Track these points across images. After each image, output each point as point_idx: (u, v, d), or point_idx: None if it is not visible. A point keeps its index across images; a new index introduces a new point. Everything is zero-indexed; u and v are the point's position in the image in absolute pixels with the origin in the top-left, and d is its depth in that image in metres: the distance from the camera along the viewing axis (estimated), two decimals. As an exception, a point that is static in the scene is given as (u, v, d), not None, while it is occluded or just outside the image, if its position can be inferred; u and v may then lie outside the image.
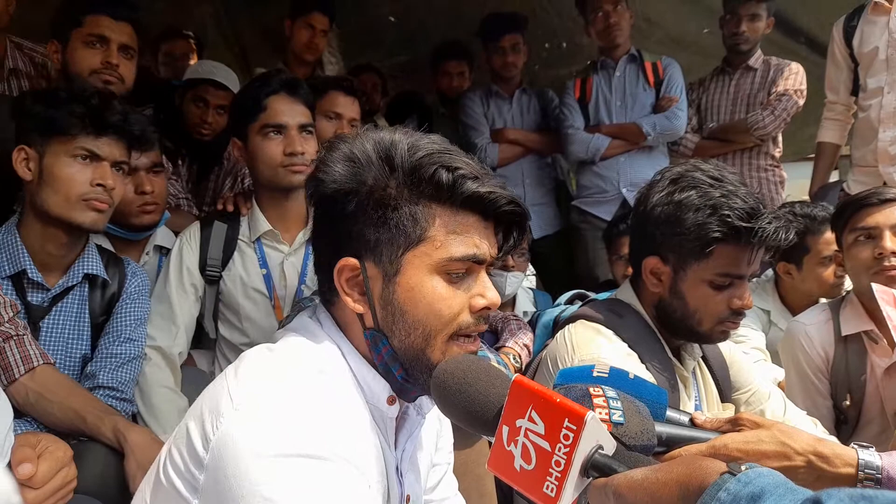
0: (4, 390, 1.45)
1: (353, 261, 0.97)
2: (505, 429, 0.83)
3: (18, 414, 1.47)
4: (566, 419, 0.77)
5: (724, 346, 1.71)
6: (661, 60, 3.46)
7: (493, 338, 2.45)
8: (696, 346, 1.62)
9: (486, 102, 3.65)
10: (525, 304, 3.15)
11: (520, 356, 2.23)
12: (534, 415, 0.80)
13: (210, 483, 0.84)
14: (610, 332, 1.51)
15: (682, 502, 0.62)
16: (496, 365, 1.77)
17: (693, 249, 1.44)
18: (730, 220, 1.39)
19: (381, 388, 0.99)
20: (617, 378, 1.02)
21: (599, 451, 0.77)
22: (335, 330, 1.01)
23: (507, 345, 2.28)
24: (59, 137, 1.62)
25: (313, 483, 0.81)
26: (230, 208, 2.08)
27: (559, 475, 0.76)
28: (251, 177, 2.18)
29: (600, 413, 0.89)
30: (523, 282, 3.21)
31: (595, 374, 1.04)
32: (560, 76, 4.33)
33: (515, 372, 2.13)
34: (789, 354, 2.10)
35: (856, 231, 2.00)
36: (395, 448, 1.05)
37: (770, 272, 2.86)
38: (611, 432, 0.86)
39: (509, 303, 3.09)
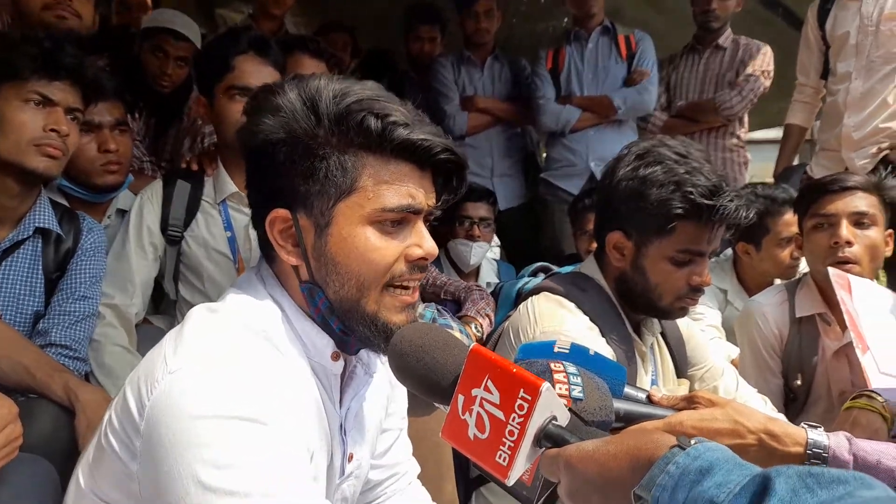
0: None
1: (284, 212, 0.95)
2: (460, 398, 0.83)
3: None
4: (521, 389, 0.77)
5: (682, 323, 1.75)
6: (634, 34, 3.46)
7: (456, 307, 2.45)
8: (656, 321, 1.65)
9: (458, 69, 3.60)
10: (489, 275, 3.16)
11: (482, 325, 2.25)
12: (490, 384, 0.80)
13: (145, 448, 0.84)
14: (572, 305, 1.52)
15: (632, 474, 0.63)
16: (458, 334, 1.78)
17: (656, 225, 1.45)
18: (692, 196, 1.40)
19: (325, 343, 0.99)
20: (578, 354, 1.04)
21: (553, 422, 0.78)
22: (277, 286, 0.99)
23: (469, 314, 2.29)
24: (11, 81, 1.55)
25: (250, 445, 0.81)
26: (195, 167, 2.02)
27: (512, 445, 0.77)
28: (217, 136, 2.11)
29: (560, 389, 0.89)
30: (487, 252, 3.23)
31: (556, 349, 1.05)
32: (537, 32, 4.27)
33: (477, 342, 2.15)
34: (745, 333, 2.15)
35: (816, 217, 2.03)
36: (340, 406, 1.04)
37: (729, 251, 2.92)
38: (570, 408, 0.88)
39: (473, 273, 3.11)
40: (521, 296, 2.18)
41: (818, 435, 1.01)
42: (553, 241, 3.47)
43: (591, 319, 1.51)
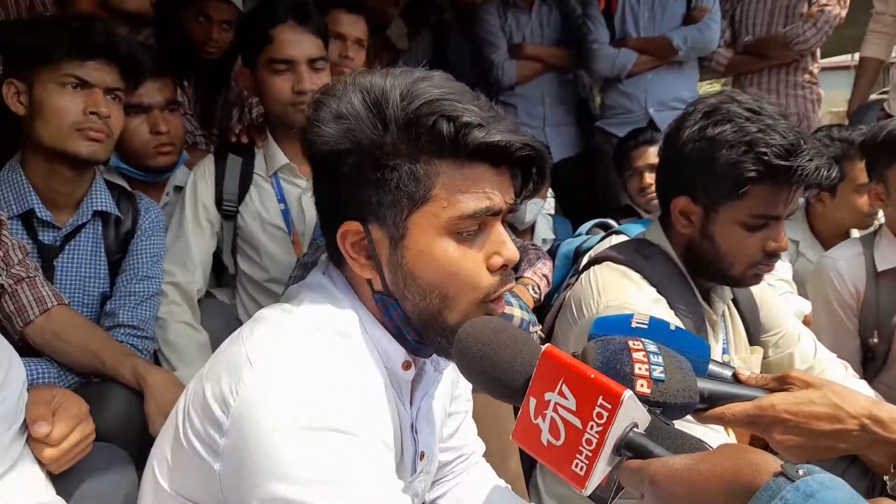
0: (21, 332, 1.46)
1: (356, 225, 0.91)
2: (532, 401, 0.79)
3: (36, 353, 1.48)
4: (600, 397, 0.72)
5: (755, 287, 1.63)
6: (693, -34, 3.22)
7: (512, 269, 2.41)
8: (727, 288, 1.56)
9: (504, 14, 3.43)
10: (544, 232, 3.09)
11: (538, 286, 2.19)
12: (565, 389, 0.76)
13: (230, 449, 0.83)
14: (637, 276, 1.45)
15: (727, 500, 0.58)
16: (518, 311, 1.73)
17: (726, 189, 1.35)
18: (766, 158, 1.29)
19: (397, 352, 0.96)
20: (657, 329, 0.97)
21: (634, 429, 0.73)
22: (349, 290, 0.96)
23: (525, 275, 2.23)
24: (45, 66, 1.54)
25: (340, 458, 0.79)
26: (244, 140, 2.00)
27: (590, 454, 0.73)
28: (263, 108, 2.08)
29: (640, 368, 0.84)
30: (542, 207, 3.14)
31: (634, 324, 0.98)
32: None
33: (535, 302, 2.10)
34: (818, 291, 2.04)
35: None
36: (411, 406, 1.03)
37: (801, 200, 2.76)
38: (651, 389, 0.83)
39: (528, 231, 3.03)
40: (579, 255, 2.12)
41: None
42: (608, 192, 3.35)
43: (658, 290, 1.43)
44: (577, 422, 0.74)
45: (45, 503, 0.99)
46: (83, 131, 1.57)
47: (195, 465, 0.87)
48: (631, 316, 1.00)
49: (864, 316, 1.97)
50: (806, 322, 2.29)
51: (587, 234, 2.29)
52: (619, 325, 0.99)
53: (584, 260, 1.82)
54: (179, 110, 2.11)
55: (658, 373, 0.85)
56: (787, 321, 1.67)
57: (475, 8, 3.52)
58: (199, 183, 1.95)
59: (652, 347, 0.87)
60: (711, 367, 1.00)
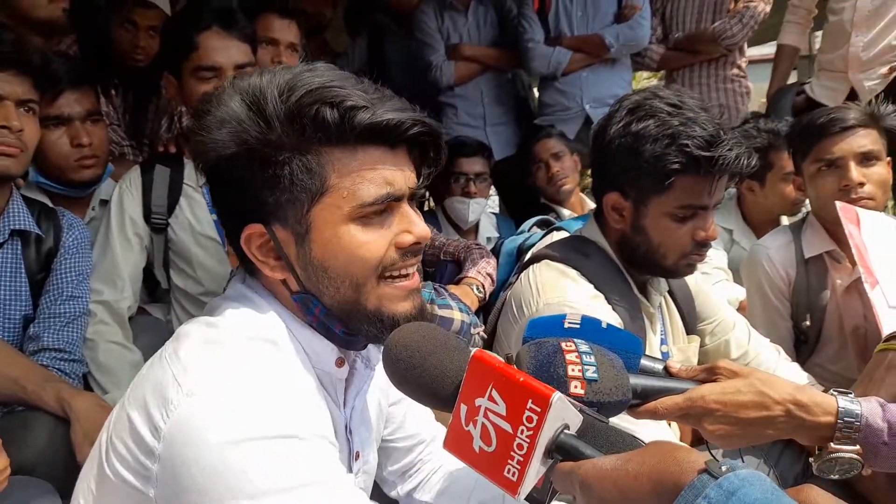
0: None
1: (257, 227, 0.89)
2: (463, 407, 0.78)
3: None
4: (529, 400, 0.72)
5: (690, 278, 1.68)
6: (624, -35, 3.28)
7: (457, 268, 2.40)
8: (663, 280, 1.59)
9: (441, 16, 3.43)
10: (488, 230, 3.10)
11: (483, 285, 2.19)
12: (494, 394, 0.75)
13: (166, 473, 0.79)
14: (575, 273, 1.47)
15: (656, 499, 0.58)
16: (458, 314, 1.72)
17: (653, 182, 1.38)
18: (689, 149, 1.33)
19: (328, 350, 0.94)
20: (589, 328, 0.98)
21: (565, 431, 0.73)
22: (269, 296, 0.94)
23: (469, 275, 2.23)
24: None
25: (290, 463, 0.77)
26: (172, 150, 1.94)
27: (521, 459, 0.72)
28: (192, 117, 2.01)
29: (573, 370, 0.84)
30: (486, 207, 3.15)
31: (567, 325, 0.99)
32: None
33: (480, 301, 2.10)
34: (752, 277, 2.10)
35: (819, 161, 1.95)
36: (344, 406, 1.01)
37: (732, 190, 2.84)
38: (584, 390, 0.83)
39: (472, 230, 3.04)
40: (522, 252, 2.13)
41: (849, 403, 0.96)
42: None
43: (596, 286, 1.46)
44: (507, 427, 0.74)
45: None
46: None
47: (125, 494, 0.83)
48: (563, 316, 1.00)
49: (795, 299, 2.03)
50: (741, 308, 2.36)
51: (529, 230, 2.30)
52: (552, 326, 0.99)
53: (526, 258, 1.83)
54: (103, 121, 2.02)
55: (591, 373, 0.85)
56: (721, 310, 1.71)
57: (412, 10, 3.51)
58: (125, 196, 1.88)
59: (584, 348, 0.87)
60: (643, 361, 1.02)
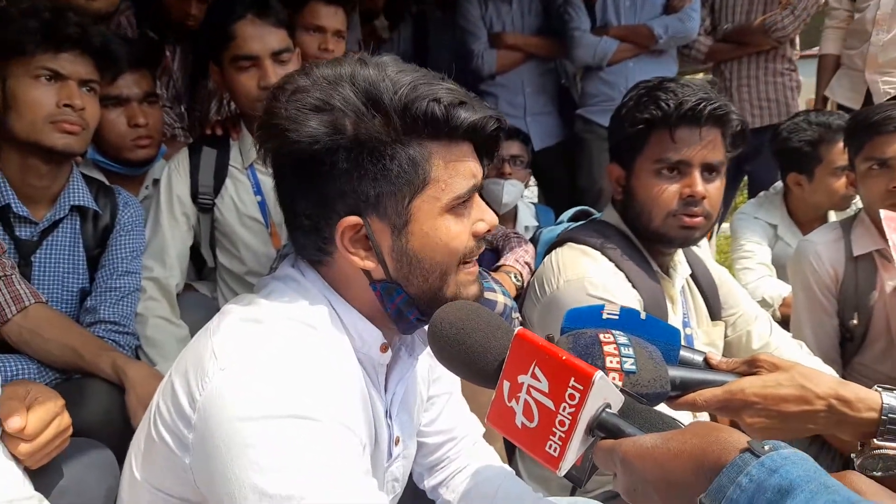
0: (-2, 332, 1.44)
1: (354, 219, 0.90)
2: (506, 384, 0.80)
3: (14, 351, 1.46)
4: (572, 378, 0.73)
5: (713, 268, 1.73)
6: (674, -45, 3.22)
7: (494, 256, 2.41)
8: (684, 262, 1.63)
9: (484, 4, 3.41)
10: (527, 219, 3.10)
11: (521, 274, 2.20)
12: (537, 371, 0.77)
13: (199, 443, 0.83)
14: (596, 253, 1.52)
15: (696, 478, 0.59)
16: (501, 297, 1.74)
17: (633, 143, 1.48)
18: (661, 102, 1.42)
19: (374, 336, 0.96)
20: (628, 319, 0.99)
21: (607, 409, 0.74)
22: (319, 280, 0.96)
23: (507, 263, 2.24)
24: (18, 59, 1.51)
25: (303, 444, 0.79)
26: (219, 132, 1.98)
27: (563, 435, 0.74)
28: (235, 104, 2.06)
29: (611, 361, 0.85)
30: (524, 194, 3.14)
31: (605, 315, 1.00)
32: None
33: (518, 290, 2.11)
34: (798, 273, 2.06)
35: (870, 160, 1.91)
36: (386, 392, 1.03)
37: (779, 184, 2.79)
38: (622, 382, 0.84)
39: (510, 217, 3.04)
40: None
41: (894, 398, 0.94)
42: (591, 180, 3.35)
43: (616, 265, 1.50)
44: (550, 403, 0.75)
45: (22, 498, 0.97)
46: (57, 124, 1.54)
47: (167, 458, 0.88)
48: (602, 307, 1.01)
49: (842, 297, 2.00)
50: (786, 304, 2.32)
51: (569, 220, 2.30)
52: (590, 316, 1.00)
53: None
54: (158, 103, 2.08)
55: (629, 365, 0.86)
56: (743, 302, 1.73)
57: (456, -3, 3.51)
58: (173, 176, 1.93)
59: (622, 339, 0.88)
60: (683, 353, 1.02)
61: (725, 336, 1.69)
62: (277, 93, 0.92)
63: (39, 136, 1.54)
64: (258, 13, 1.84)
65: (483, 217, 0.96)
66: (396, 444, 1.07)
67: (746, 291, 1.85)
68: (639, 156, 1.48)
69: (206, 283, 2.07)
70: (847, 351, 2.00)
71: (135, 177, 2.10)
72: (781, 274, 2.51)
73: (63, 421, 1.10)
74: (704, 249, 2.52)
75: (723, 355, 1.65)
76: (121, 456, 1.18)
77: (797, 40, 3.40)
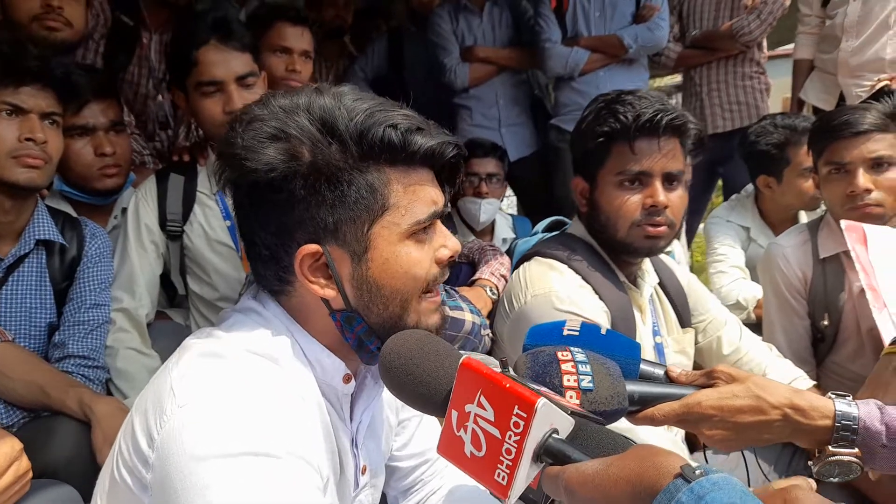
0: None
1: (313, 247, 0.90)
2: (454, 413, 0.80)
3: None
4: (516, 406, 0.74)
5: (682, 275, 1.75)
6: (642, -35, 3.26)
7: (472, 270, 2.41)
8: (651, 271, 1.65)
9: (455, 18, 3.44)
10: (504, 231, 3.11)
11: (497, 287, 2.20)
12: (483, 400, 0.77)
13: (157, 483, 0.82)
14: (563, 266, 1.53)
15: (634, 503, 0.59)
16: (469, 315, 1.74)
17: (594, 156, 1.50)
18: (619, 115, 1.44)
19: (336, 367, 0.96)
20: (588, 334, 1.00)
21: (554, 435, 0.74)
22: (280, 311, 0.96)
23: (483, 276, 2.25)
24: None
25: (261, 482, 0.78)
26: (186, 158, 1.98)
27: (510, 463, 0.74)
28: (201, 129, 2.06)
29: (568, 380, 0.86)
30: (502, 206, 3.16)
31: (565, 332, 1.01)
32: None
33: (494, 304, 2.11)
34: (767, 277, 2.08)
35: (830, 164, 1.93)
36: (351, 421, 1.02)
37: (750, 187, 2.82)
38: (580, 399, 0.84)
39: (488, 231, 3.05)
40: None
41: (847, 405, 0.96)
42: (566, 188, 3.34)
43: (583, 277, 1.51)
44: (496, 432, 0.75)
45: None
46: (19, 158, 1.54)
47: (128, 498, 0.87)
48: (563, 323, 1.02)
49: (812, 299, 2.01)
50: (760, 306, 2.34)
51: (544, 230, 2.31)
52: (552, 333, 1.01)
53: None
54: (126, 131, 2.08)
55: (586, 382, 0.87)
56: (712, 308, 1.76)
57: (428, 12, 3.53)
58: (140, 204, 1.93)
59: (580, 357, 0.89)
60: (643, 367, 1.03)
61: (696, 342, 1.71)
62: (234, 123, 0.93)
63: (2, 172, 1.53)
64: (221, 38, 1.83)
65: (446, 243, 0.95)
66: (363, 474, 1.06)
67: (717, 296, 1.87)
68: (601, 168, 1.50)
69: (178, 311, 2.06)
70: (820, 351, 2.01)
71: (103, 206, 2.09)
72: (756, 276, 2.53)
73: (21, 466, 1.09)
74: (678, 251, 2.54)
75: (694, 361, 1.69)
76: (87, 495, 1.18)
77: (765, 42, 3.44)
